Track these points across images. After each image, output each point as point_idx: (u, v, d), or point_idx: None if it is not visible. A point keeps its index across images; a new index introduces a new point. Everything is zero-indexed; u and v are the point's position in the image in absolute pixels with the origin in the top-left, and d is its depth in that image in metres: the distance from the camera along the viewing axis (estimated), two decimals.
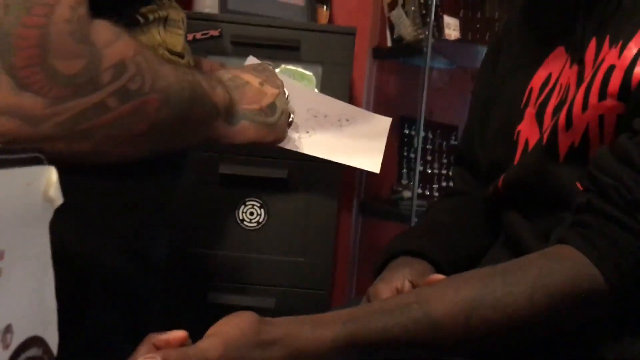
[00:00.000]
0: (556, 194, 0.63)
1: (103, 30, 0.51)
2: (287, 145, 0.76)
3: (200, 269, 1.51)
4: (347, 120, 0.83)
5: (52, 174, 0.31)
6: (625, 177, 0.53)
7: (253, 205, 1.50)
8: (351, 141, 0.80)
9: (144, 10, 0.63)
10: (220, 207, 1.50)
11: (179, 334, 0.47)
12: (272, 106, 0.71)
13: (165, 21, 0.66)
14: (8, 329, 0.28)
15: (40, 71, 0.46)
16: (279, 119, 0.72)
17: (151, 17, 0.64)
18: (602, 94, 0.58)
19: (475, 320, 0.52)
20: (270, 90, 0.72)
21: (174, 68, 0.58)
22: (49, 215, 0.32)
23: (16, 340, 0.29)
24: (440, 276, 0.60)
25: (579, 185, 0.61)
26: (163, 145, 0.61)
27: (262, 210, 1.51)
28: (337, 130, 0.81)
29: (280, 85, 0.75)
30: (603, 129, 0.59)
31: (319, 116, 0.82)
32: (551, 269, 0.53)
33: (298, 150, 0.76)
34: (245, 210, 1.51)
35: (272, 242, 1.51)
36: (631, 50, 0.57)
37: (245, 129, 0.69)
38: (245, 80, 0.72)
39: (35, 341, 0.31)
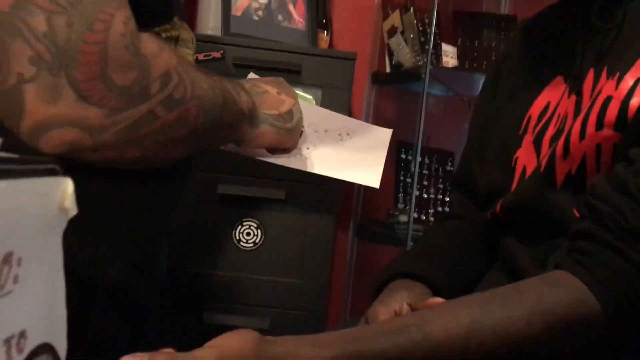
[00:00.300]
0: (553, 220, 0.64)
1: (150, 42, 0.53)
2: (286, 163, 0.77)
3: (196, 289, 1.51)
4: (348, 134, 0.84)
5: (68, 186, 0.32)
6: (622, 205, 0.54)
7: (250, 225, 1.51)
8: (351, 156, 0.80)
9: (157, 29, 0.65)
10: (217, 227, 1.51)
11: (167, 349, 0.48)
12: (289, 113, 0.74)
13: (177, 40, 0.68)
14: (22, 334, 0.29)
15: (100, 83, 0.49)
16: (296, 125, 0.75)
17: (164, 35, 0.66)
18: (600, 124, 0.59)
19: (474, 344, 0.52)
20: (288, 99, 0.75)
21: (207, 76, 0.60)
22: (63, 225, 0.33)
23: (29, 346, 0.30)
24: (438, 299, 0.60)
25: (576, 212, 0.62)
26: (198, 147, 0.64)
27: (259, 230, 1.51)
28: (337, 145, 0.81)
29: (295, 96, 0.77)
30: (600, 158, 0.60)
31: (320, 131, 0.83)
32: (549, 294, 0.54)
33: (297, 168, 0.77)
34: (242, 231, 1.51)
35: (268, 263, 1.51)
36: (628, 82, 0.58)
37: (266, 133, 0.71)
38: (265, 88, 0.74)
39: (45, 348, 0.32)
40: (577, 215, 0.61)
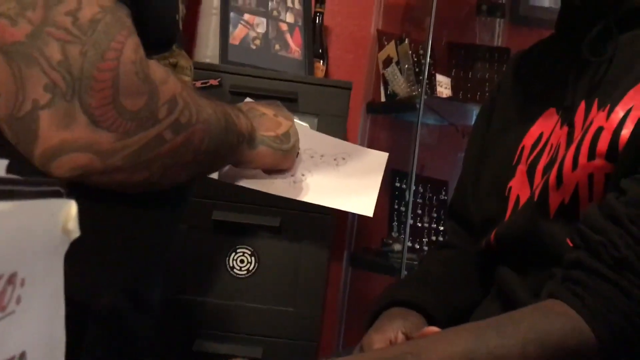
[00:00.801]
0: (547, 250, 0.64)
1: (157, 69, 0.55)
2: (281, 192, 0.77)
3: (188, 316, 1.49)
4: (344, 158, 0.84)
5: (72, 208, 0.33)
6: (613, 234, 0.55)
7: (244, 252, 1.50)
8: (346, 183, 0.80)
9: (156, 57, 0.66)
10: (211, 254, 1.50)
11: None
12: (286, 134, 0.76)
13: (174, 67, 0.70)
14: (23, 356, 0.29)
15: (112, 109, 0.51)
16: (293, 146, 0.77)
17: (162, 62, 0.67)
18: (591, 154, 0.60)
19: None
20: (285, 121, 0.77)
21: (209, 101, 0.62)
22: (65, 248, 0.33)
23: None
24: (434, 329, 0.61)
25: (569, 241, 0.62)
26: (201, 171, 0.65)
27: (253, 258, 1.50)
28: (332, 171, 0.82)
29: (291, 118, 0.79)
30: (592, 187, 0.61)
31: (316, 156, 0.83)
32: (543, 323, 0.54)
33: (292, 197, 0.77)
34: (235, 258, 1.50)
35: (262, 291, 1.50)
36: (618, 113, 0.60)
37: (263, 154, 0.73)
38: (262, 111, 0.76)
39: None
40: (571, 244, 0.62)
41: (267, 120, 0.75)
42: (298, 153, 0.80)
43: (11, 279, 0.27)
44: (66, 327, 0.33)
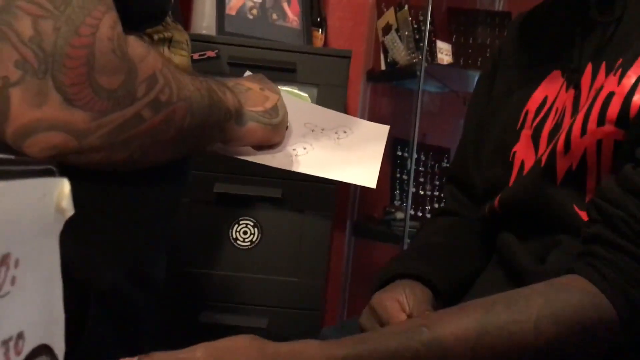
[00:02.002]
0: (552, 216, 0.64)
1: (136, 45, 0.53)
2: (283, 165, 0.77)
3: (192, 288, 1.50)
4: (345, 132, 0.83)
5: (65, 186, 0.32)
6: (633, 208, 0.54)
7: (247, 224, 1.51)
8: (348, 156, 0.80)
9: (149, 30, 0.65)
10: (213, 226, 1.51)
11: None
12: (275, 108, 0.75)
13: (170, 42, 0.68)
14: (20, 336, 0.29)
15: (87, 87, 0.49)
16: (282, 120, 0.75)
17: (156, 37, 0.66)
18: (601, 120, 0.59)
19: (482, 347, 0.52)
20: (271, 95, 0.76)
21: (192, 77, 0.61)
22: (60, 226, 0.33)
23: (27, 348, 0.30)
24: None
25: (575, 208, 0.61)
26: (186, 149, 0.64)
27: (256, 229, 1.51)
28: (334, 144, 0.81)
29: (278, 91, 0.78)
30: (600, 154, 0.60)
31: (316, 130, 0.83)
32: (558, 298, 0.53)
33: (294, 170, 0.77)
34: (238, 230, 1.51)
35: (265, 262, 1.51)
36: (630, 78, 0.58)
37: (253, 130, 0.71)
38: (247, 86, 0.75)
39: (43, 349, 0.31)
40: (577, 211, 0.61)
41: (253, 95, 0.74)
42: (288, 126, 0.79)
43: (5, 260, 0.27)
44: (68, 306, 0.33)
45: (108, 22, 0.50)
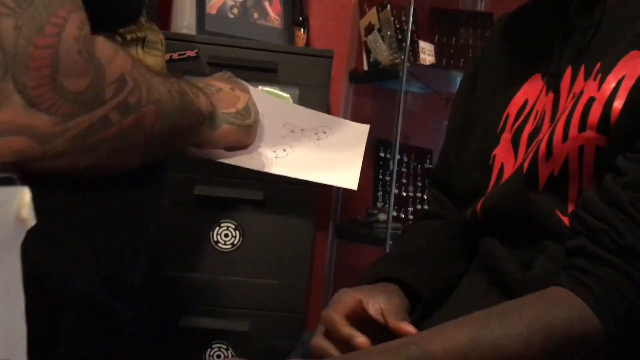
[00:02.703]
0: (535, 222, 0.64)
1: (104, 46, 0.51)
2: (264, 167, 0.75)
3: (173, 292, 1.48)
4: (325, 132, 0.83)
5: (25, 195, 0.31)
6: (616, 221, 0.54)
7: (228, 227, 1.49)
8: (328, 157, 0.79)
9: (122, 30, 0.63)
10: (194, 229, 1.49)
11: None
12: (246, 109, 0.73)
13: (143, 42, 0.66)
14: None
15: (51, 90, 0.47)
16: (254, 120, 0.74)
17: (129, 37, 0.64)
18: (582, 126, 0.59)
19: None
20: (242, 94, 0.74)
21: (163, 79, 0.59)
22: (20, 237, 0.31)
23: None
24: (407, 327, 0.60)
25: (558, 213, 0.61)
26: (157, 153, 0.62)
27: (237, 232, 1.49)
28: (314, 146, 0.80)
29: (248, 90, 0.77)
30: (582, 160, 0.60)
31: (296, 130, 0.82)
32: (547, 312, 0.54)
33: (275, 172, 0.76)
34: (219, 232, 1.49)
35: (247, 265, 1.49)
36: (610, 83, 0.58)
37: (226, 132, 0.70)
38: (218, 86, 0.74)
39: None
40: (560, 216, 0.61)
41: (225, 96, 0.73)
42: (265, 127, 0.78)
43: None
44: (41, 317, 0.32)
45: (75, 22, 0.48)
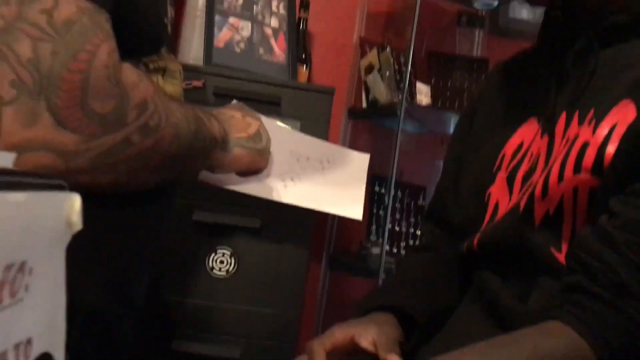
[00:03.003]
0: (530, 257, 0.66)
1: (130, 73, 0.55)
2: (272, 195, 0.78)
3: (166, 316, 1.49)
4: (328, 161, 0.86)
5: (76, 201, 0.34)
6: (612, 261, 0.56)
7: (224, 253, 1.51)
8: (334, 186, 0.82)
9: (145, 59, 0.67)
10: (190, 254, 1.50)
11: None
12: (258, 134, 0.77)
13: (164, 71, 0.71)
14: (29, 342, 0.30)
15: (79, 111, 0.50)
16: (266, 145, 0.78)
17: (151, 66, 0.68)
18: (577, 168, 0.62)
19: None
20: (253, 121, 0.78)
21: (180, 105, 0.62)
22: (67, 240, 0.35)
23: (33, 354, 0.31)
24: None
25: (553, 250, 0.64)
26: (171, 175, 0.65)
27: (232, 259, 1.51)
28: (319, 175, 0.83)
29: (259, 118, 0.80)
30: (576, 200, 0.63)
31: (302, 159, 0.85)
32: (546, 344, 0.56)
33: (284, 201, 0.78)
34: (215, 259, 1.51)
35: (241, 292, 1.50)
36: (603, 129, 0.61)
37: (239, 156, 0.73)
38: (230, 114, 0.77)
39: (46, 358, 0.33)
40: (555, 253, 0.64)
41: (236, 122, 0.76)
42: (272, 153, 0.81)
43: (22, 267, 0.28)
44: None
45: (105, 50, 0.51)
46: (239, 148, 0.73)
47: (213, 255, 1.51)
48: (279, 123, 1.50)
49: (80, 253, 0.62)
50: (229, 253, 1.51)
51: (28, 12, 0.47)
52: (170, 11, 0.72)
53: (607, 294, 0.56)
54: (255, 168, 0.77)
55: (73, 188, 0.55)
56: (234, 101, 0.96)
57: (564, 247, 0.64)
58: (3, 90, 0.47)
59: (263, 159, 0.78)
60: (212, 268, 1.50)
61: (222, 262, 1.51)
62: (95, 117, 0.51)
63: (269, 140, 0.79)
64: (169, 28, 0.73)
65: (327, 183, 0.83)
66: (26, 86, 0.47)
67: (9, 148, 0.48)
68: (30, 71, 0.47)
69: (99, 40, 0.51)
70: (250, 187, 0.77)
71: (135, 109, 0.54)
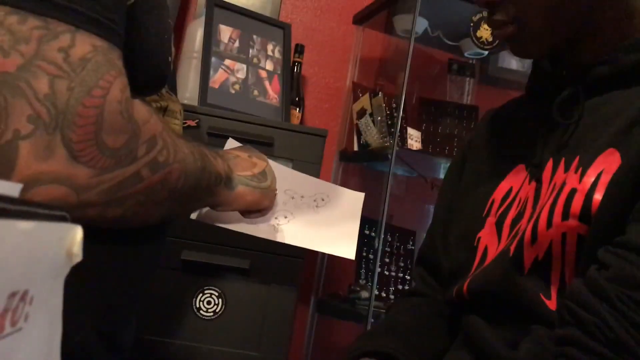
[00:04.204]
0: (520, 304, 0.66)
1: (141, 108, 0.56)
2: (267, 234, 0.78)
3: (150, 356, 1.46)
4: (323, 199, 0.86)
5: (78, 233, 0.34)
6: (606, 315, 0.56)
7: (211, 294, 1.49)
8: (327, 226, 0.82)
9: (147, 99, 0.68)
10: (178, 294, 1.49)
11: None
12: (263, 173, 0.78)
13: (165, 111, 0.72)
14: None
15: (92, 145, 0.51)
16: (271, 184, 0.78)
17: (154, 105, 0.69)
18: (565, 214, 0.63)
19: None
20: (259, 161, 0.79)
21: (186, 141, 0.64)
22: (66, 271, 0.35)
23: None
24: None
25: (542, 297, 0.65)
26: (176, 211, 0.65)
27: (220, 300, 1.49)
28: (313, 214, 0.83)
29: (265, 159, 0.82)
30: (565, 247, 0.64)
31: (296, 197, 0.85)
32: None
33: (278, 240, 0.78)
34: (202, 299, 1.49)
35: (227, 334, 1.48)
36: (590, 177, 0.63)
37: (243, 194, 0.74)
38: (235, 154, 0.78)
39: None
40: (544, 300, 0.64)
41: (242, 161, 0.77)
42: (276, 193, 0.82)
43: (24, 296, 0.28)
44: None
45: (118, 86, 0.52)
46: (242, 186, 0.74)
47: (200, 295, 1.49)
48: (271, 162, 1.52)
49: (67, 295, 0.61)
50: (216, 294, 1.49)
51: (46, 50, 0.49)
52: (172, 50, 0.73)
53: (603, 349, 0.56)
54: (260, 207, 0.78)
55: (78, 222, 0.55)
56: (230, 139, 0.97)
57: (553, 294, 0.65)
58: (20, 125, 0.48)
59: (267, 197, 0.78)
60: (199, 309, 1.49)
61: (209, 302, 1.49)
62: (107, 151, 0.52)
63: (274, 179, 0.80)
64: (171, 66, 0.74)
65: (320, 222, 0.83)
66: (43, 121, 0.49)
67: (24, 180, 0.50)
68: (47, 106, 0.49)
69: (112, 77, 0.52)
70: (243, 226, 0.77)
71: (145, 144, 0.56)
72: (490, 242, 0.74)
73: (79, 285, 0.62)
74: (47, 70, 0.49)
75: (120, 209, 0.56)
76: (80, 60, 0.50)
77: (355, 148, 1.94)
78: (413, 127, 1.95)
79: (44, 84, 0.49)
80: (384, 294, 1.91)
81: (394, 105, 1.91)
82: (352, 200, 0.88)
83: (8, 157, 0.48)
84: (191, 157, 0.62)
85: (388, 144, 1.78)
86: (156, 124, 0.58)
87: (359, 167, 2.08)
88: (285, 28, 1.80)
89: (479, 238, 0.76)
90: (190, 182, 0.62)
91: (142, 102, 0.57)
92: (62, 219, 0.34)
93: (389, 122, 1.87)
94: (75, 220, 0.53)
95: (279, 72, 1.75)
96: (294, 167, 1.54)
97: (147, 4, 0.60)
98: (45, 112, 0.49)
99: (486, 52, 1.97)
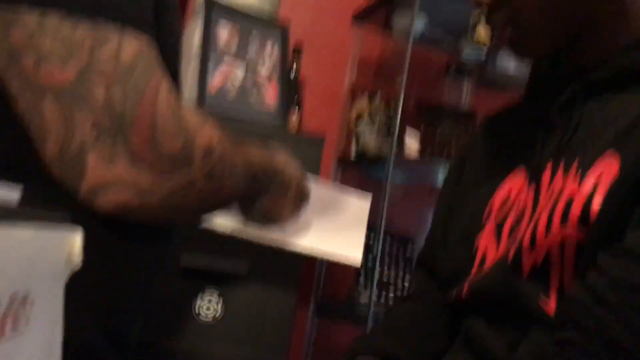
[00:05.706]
0: (519, 307, 0.66)
1: (191, 114, 0.57)
2: (275, 242, 0.78)
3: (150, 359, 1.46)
4: (330, 204, 0.85)
5: (78, 239, 0.35)
6: (604, 319, 0.56)
7: (210, 299, 1.49)
8: (334, 232, 0.81)
9: None
10: (177, 298, 1.48)
11: None
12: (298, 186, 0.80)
13: None
14: None
15: (150, 149, 0.52)
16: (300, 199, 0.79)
17: None
18: (564, 221, 0.63)
19: None
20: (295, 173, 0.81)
21: (244, 150, 0.64)
22: (66, 277, 0.35)
23: None
24: None
25: (541, 301, 0.65)
26: (205, 216, 0.67)
27: (219, 304, 1.49)
28: (319, 219, 0.82)
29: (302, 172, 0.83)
30: (563, 252, 0.64)
31: None
32: None
33: (286, 248, 0.78)
34: (202, 304, 1.49)
35: (226, 338, 1.48)
36: (589, 182, 0.62)
37: (278, 200, 0.76)
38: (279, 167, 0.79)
39: None
40: (542, 304, 0.64)
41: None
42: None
43: (25, 299, 0.29)
44: None
45: (165, 87, 0.54)
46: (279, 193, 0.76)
47: (200, 299, 1.49)
48: None
49: (74, 294, 0.61)
50: (215, 298, 1.49)
51: (98, 58, 0.51)
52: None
53: (603, 352, 0.56)
54: (289, 215, 0.78)
55: (137, 223, 0.56)
56: None
57: (553, 298, 0.65)
58: (85, 135, 0.50)
59: (293, 209, 0.79)
60: (199, 314, 1.49)
61: (208, 307, 1.49)
62: (164, 155, 0.53)
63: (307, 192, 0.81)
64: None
65: (327, 227, 0.82)
66: (104, 129, 0.50)
67: (93, 188, 0.52)
68: (107, 114, 0.50)
69: (157, 80, 0.54)
70: (249, 232, 0.77)
71: (201, 150, 0.56)
72: (489, 247, 0.74)
73: (86, 284, 0.62)
74: (102, 79, 0.51)
75: (169, 214, 0.57)
76: (130, 65, 0.52)
77: (353, 154, 1.95)
78: (411, 132, 1.95)
79: (101, 93, 0.50)
80: (382, 300, 1.91)
81: (391, 113, 1.91)
82: (359, 205, 0.87)
83: (77, 167, 0.51)
84: (243, 174, 0.62)
85: (386, 149, 1.79)
86: (212, 132, 0.58)
87: (356, 173, 2.08)
88: (283, 30, 1.80)
89: (478, 243, 0.76)
90: (238, 195, 0.63)
91: (191, 108, 0.58)
92: (63, 226, 0.35)
93: (388, 128, 1.87)
94: (133, 222, 0.54)
95: (276, 76, 1.75)
96: None
97: (164, 3, 0.61)
98: (107, 119, 0.50)
99: (484, 55, 1.97)
